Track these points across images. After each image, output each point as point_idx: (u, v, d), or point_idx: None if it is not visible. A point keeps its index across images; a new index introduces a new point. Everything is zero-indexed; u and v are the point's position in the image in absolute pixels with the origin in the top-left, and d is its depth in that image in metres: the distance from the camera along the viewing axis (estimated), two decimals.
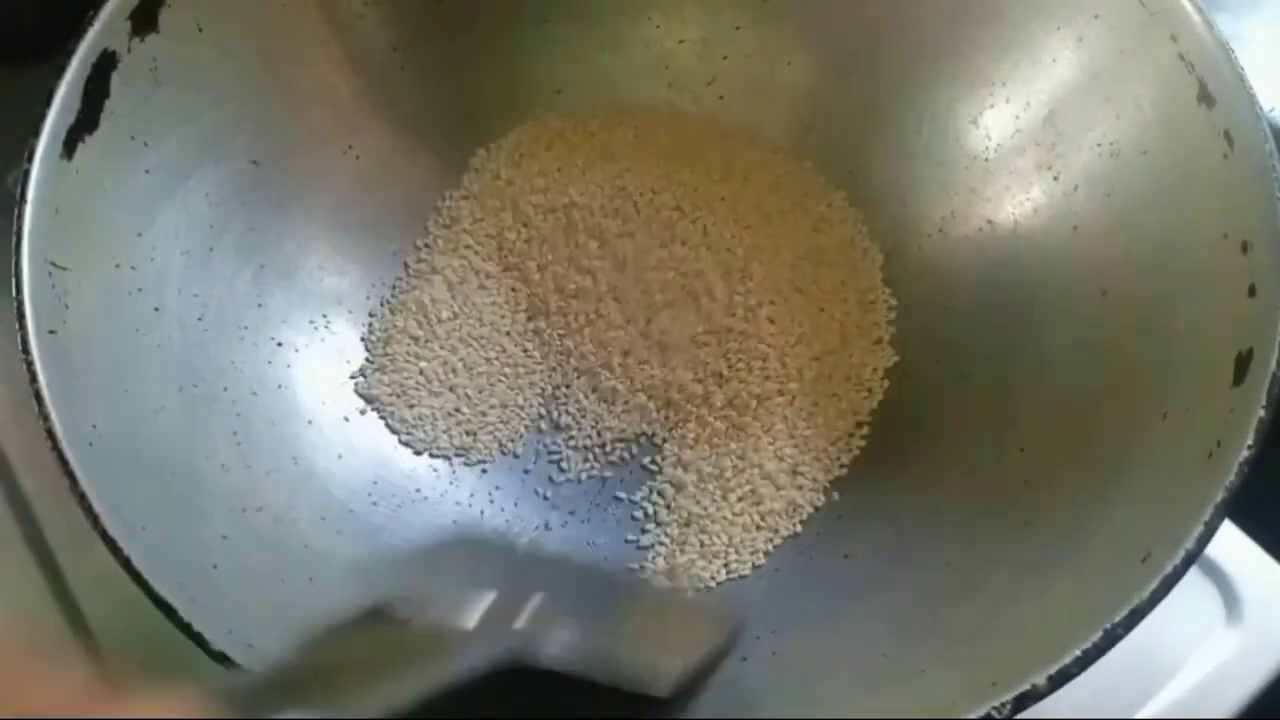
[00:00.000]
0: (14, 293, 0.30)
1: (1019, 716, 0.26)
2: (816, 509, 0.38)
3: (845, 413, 0.39)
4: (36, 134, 0.32)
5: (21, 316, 0.30)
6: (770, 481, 0.38)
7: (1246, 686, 0.38)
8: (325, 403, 0.39)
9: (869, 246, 0.41)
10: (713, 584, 0.37)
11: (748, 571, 0.37)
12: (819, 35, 0.42)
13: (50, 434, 0.29)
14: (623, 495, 0.39)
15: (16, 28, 0.45)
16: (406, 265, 0.42)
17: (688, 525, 0.38)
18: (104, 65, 0.33)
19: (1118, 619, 0.26)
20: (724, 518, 0.38)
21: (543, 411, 0.41)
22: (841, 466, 0.38)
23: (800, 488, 0.38)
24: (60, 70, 0.33)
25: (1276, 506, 0.34)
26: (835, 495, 0.38)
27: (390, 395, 0.40)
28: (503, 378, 0.41)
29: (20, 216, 0.31)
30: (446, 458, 0.39)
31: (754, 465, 0.38)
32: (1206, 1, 0.33)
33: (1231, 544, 0.39)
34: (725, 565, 0.37)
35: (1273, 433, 0.28)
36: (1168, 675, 0.38)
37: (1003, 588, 0.31)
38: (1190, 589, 0.34)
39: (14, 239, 0.31)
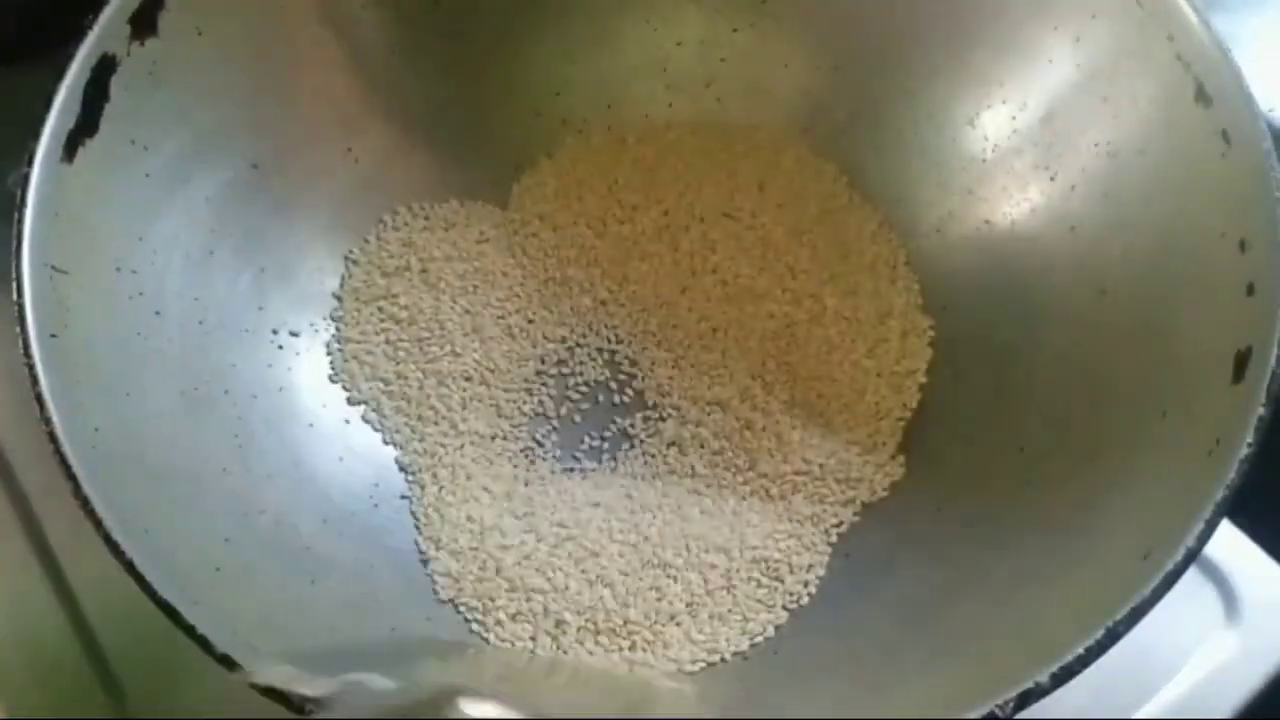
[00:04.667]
0: (15, 296, 0.30)
1: (1021, 715, 0.26)
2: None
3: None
4: (36, 138, 0.32)
5: (23, 320, 0.30)
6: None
7: (1246, 686, 0.38)
8: (326, 405, 0.39)
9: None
10: None
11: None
12: (816, 37, 0.42)
13: (52, 437, 0.29)
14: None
15: (15, 27, 0.45)
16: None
17: None
18: (103, 69, 0.33)
19: (1119, 617, 0.26)
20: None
21: None
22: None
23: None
24: (60, 74, 0.33)
25: (1276, 506, 0.34)
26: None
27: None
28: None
29: (21, 220, 0.31)
30: None
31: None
32: (1204, 1, 0.33)
33: (1231, 544, 0.39)
34: None
35: (1272, 430, 0.28)
36: (1167, 675, 0.38)
37: (1004, 586, 0.31)
38: (1190, 589, 0.34)
39: (14, 243, 0.31)
